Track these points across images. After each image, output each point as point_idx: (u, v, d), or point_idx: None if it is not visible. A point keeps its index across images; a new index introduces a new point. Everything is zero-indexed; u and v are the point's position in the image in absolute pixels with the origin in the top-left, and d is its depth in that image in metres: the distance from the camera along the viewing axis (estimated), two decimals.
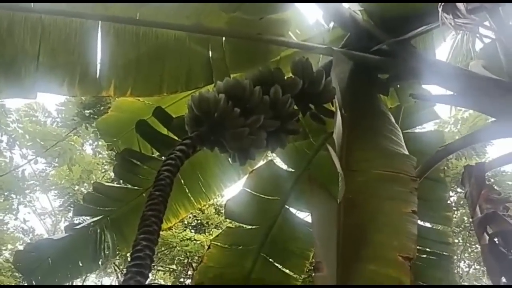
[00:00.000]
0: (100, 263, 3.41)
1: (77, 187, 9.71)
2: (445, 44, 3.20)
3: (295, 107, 1.94)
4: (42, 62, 2.20)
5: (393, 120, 2.40)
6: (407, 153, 2.02)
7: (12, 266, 8.49)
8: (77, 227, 3.30)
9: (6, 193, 9.97)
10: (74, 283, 11.46)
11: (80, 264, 3.37)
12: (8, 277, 8.30)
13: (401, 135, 2.17)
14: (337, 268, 1.56)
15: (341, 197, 1.71)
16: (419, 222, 3.08)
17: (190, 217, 8.45)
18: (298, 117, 2.06)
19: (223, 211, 9.24)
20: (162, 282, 9.25)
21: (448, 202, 3.59)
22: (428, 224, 3.20)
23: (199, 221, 8.37)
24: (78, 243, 3.25)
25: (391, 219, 1.75)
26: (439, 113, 3.33)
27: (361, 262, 1.62)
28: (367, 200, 1.82)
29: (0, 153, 9.19)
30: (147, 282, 1.09)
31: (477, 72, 2.21)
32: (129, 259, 1.12)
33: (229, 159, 1.73)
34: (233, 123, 1.55)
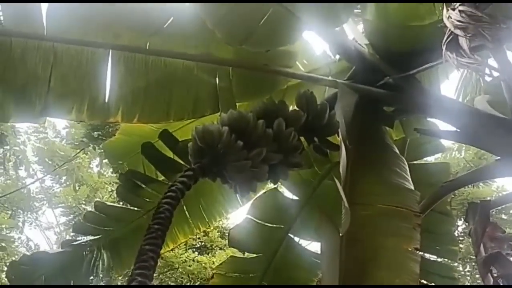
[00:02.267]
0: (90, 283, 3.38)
1: (83, 206, 9.74)
2: (455, 74, 3.21)
3: (300, 138, 1.96)
4: (52, 88, 2.25)
5: (398, 153, 2.40)
6: (411, 186, 2.02)
7: None
8: (74, 243, 3.29)
9: (13, 209, 10.03)
10: None
11: (72, 282, 3.33)
12: None
13: (407, 167, 2.16)
14: None
15: (344, 231, 1.71)
16: (424, 255, 3.04)
17: (193, 239, 8.40)
18: (303, 147, 2.08)
19: (227, 234, 9.19)
20: None
21: (455, 233, 3.54)
22: (433, 257, 3.15)
23: (202, 244, 8.33)
24: (73, 260, 3.20)
25: (393, 255, 1.74)
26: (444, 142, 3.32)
27: None
28: (369, 234, 1.82)
29: (7, 172, 9.28)
30: None
31: (481, 108, 2.22)
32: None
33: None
34: (236, 155, 1.57)
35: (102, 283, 3.36)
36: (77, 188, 9.49)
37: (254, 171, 1.61)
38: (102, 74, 2.34)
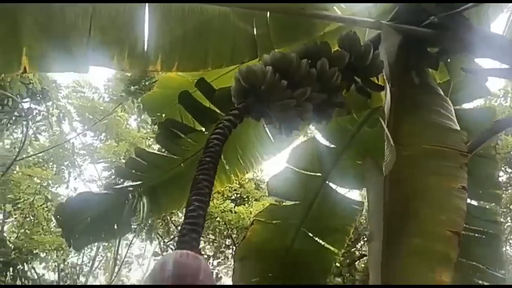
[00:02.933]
0: (132, 227, 3.49)
1: (123, 161, 10.05)
2: (503, 15, 3.01)
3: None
4: (93, 38, 2.27)
5: (443, 94, 2.33)
6: (457, 127, 1.97)
7: None
8: (116, 187, 3.42)
9: (58, 164, 10.50)
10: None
11: (115, 227, 3.48)
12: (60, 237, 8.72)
13: (452, 108, 2.10)
14: (382, 241, 1.56)
15: (387, 171, 1.70)
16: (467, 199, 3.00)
17: (230, 191, 8.63)
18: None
19: (263, 186, 9.41)
20: (203, 252, 9.55)
21: (499, 180, 3.46)
22: (475, 202, 3.11)
23: (238, 195, 8.54)
24: (115, 204, 3.35)
25: (439, 194, 1.73)
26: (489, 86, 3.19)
27: (407, 236, 1.61)
28: (414, 175, 1.80)
29: (51, 126, 9.62)
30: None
31: None
32: (171, 228, 1.17)
33: (267, 133, 1.74)
34: (280, 95, 1.56)
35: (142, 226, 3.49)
36: (115, 144, 9.79)
37: (299, 110, 1.61)
38: (140, 23, 2.33)
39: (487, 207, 3.06)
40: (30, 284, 7.78)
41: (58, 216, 3.47)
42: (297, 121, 1.66)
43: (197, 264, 1.04)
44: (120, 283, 14.78)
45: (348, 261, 6.58)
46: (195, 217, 1.13)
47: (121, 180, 3.55)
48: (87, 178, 12.40)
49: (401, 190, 1.74)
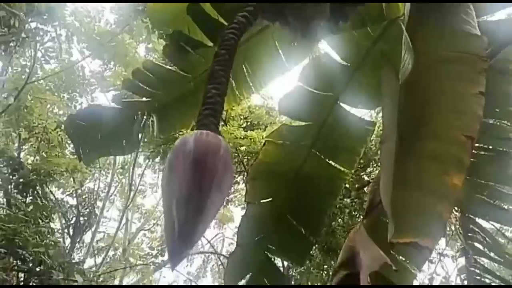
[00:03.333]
0: (140, 143, 3.50)
1: None
2: None
3: None
4: None
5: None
6: (478, 32, 1.87)
7: None
8: (124, 100, 3.40)
9: (68, 91, 10.52)
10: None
11: (124, 143, 3.46)
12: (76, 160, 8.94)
13: (474, 14, 1.98)
14: (395, 144, 1.55)
15: (403, 78, 1.65)
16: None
17: (241, 119, 8.64)
18: None
19: (273, 114, 9.37)
20: None
21: None
22: (489, 120, 3.05)
23: (249, 123, 8.55)
24: (125, 120, 3.34)
25: (456, 99, 1.69)
26: None
27: (422, 139, 1.59)
28: (431, 80, 1.75)
29: (60, 49, 9.47)
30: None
31: None
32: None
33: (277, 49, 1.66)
34: None
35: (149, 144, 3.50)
36: (126, 69, 9.69)
37: (315, 9, 1.52)
38: None
39: (500, 123, 2.99)
40: (51, 205, 8.09)
41: (67, 129, 3.47)
42: (314, 21, 1.58)
43: (217, 141, 1.05)
44: (135, 208, 15.39)
45: (357, 185, 6.71)
46: (213, 103, 1.11)
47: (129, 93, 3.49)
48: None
49: (417, 95, 1.69)
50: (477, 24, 2.52)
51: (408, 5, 1.76)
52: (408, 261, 2.60)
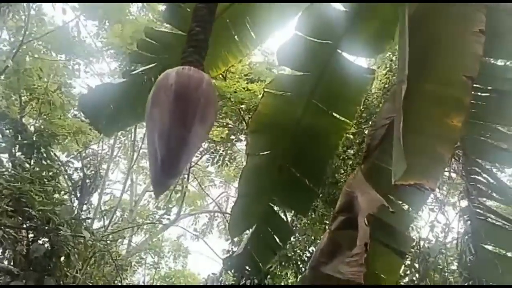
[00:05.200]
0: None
1: (131, 47, 9.84)
2: None
3: None
4: None
5: None
6: None
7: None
8: (134, 72, 3.40)
9: (65, 54, 10.35)
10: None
11: (139, 110, 3.54)
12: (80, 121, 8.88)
13: None
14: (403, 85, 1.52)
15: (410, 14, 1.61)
16: (487, 59, 2.88)
17: (241, 76, 8.51)
18: None
19: (274, 71, 9.22)
20: (215, 139, 9.78)
21: None
22: (497, 61, 2.99)
23: (250, 78, 8.43)
24: (135, 89, 3.35)
25: (456, 39, 1.67)
26: None
27: (423, 81, 1.58)
28: (433, 20, 1.72)
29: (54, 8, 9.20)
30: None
31: None
32: None
33: None
34: None
35: None
36: (123, 27, 9.46)
37: None
38: None
39: (506, 64, 2.94)
40: (57, 167, 8.17)
41: (82, 108, 3.53)
42: None
43: (200, 76, 1.04)
44: (140, 169, 15.50)
45: (358, 140, 6.69)
46: (197, 40, 1.09)
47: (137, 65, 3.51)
48: (97, 70, 12.36)
49: (420, 36, 1.66)
50: None
51: None
52: (406, 204, 2.64)
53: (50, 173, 6.05)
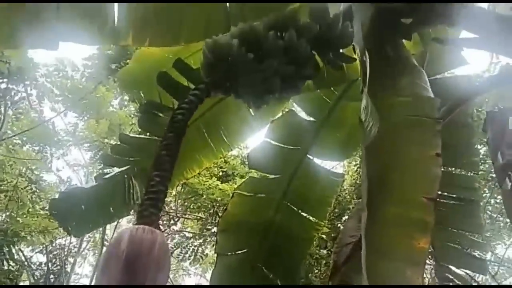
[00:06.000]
0: (130, 208, 3.55)
1: (106, 140, 9.96)
2: None
3: (313, 52, 1.91)
4: (62, 12, 2.21)
5: (416, 63, 2.34)
6: (431, 95, 1.99)
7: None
8: (106, 176, 3.43)
9: (40, 146, 10.36)
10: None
11: (111, 210, 3.50)
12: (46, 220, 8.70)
13: (426, 78, 2.12)
14: (365, 212, 1.58)
15: (366, 144, 1.72)
16: (445, 168, 3.06)
17: (216, 168, 8.63)
18: (319, 66, 2.04)
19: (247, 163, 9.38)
20: (190, 230, 9.63)
21: (476, 147, 3.52)
22: (454, 170, 3.17)
23: (224, 172, 8.54)
24: (108, 190, 3.36)
25: (414, 162, 1.76)
26: (479, 60, 3.22)
27: (385, 204, 1.64)
28: (390, 145, 1.82)
29: (30, 106, 9.42)
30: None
31: (503, 13, 2.10)
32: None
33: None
34: (247, 68, 1.55)
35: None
36: (98, 122, 9.65)
37: (266, 84, 1.60)
38: None
39: (465, 174, 3.12)
40: (20, 265, 7.78)
41: (53, 210, 3.53)
42: (265, 95, 1.66)
43: (153, 238, 1.06)
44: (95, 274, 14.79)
45: (333, 234, 6.71)
46: (155, 192, 1.14)
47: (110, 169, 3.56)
48: (71, 161, 12.30)
49: (380, 160, 1.76)
50: (436, 81, 2.69)
51: (363, 73, 1.87)
52: None
53: (10, 276, 5.71)
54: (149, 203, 1.12)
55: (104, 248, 12.43)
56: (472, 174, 3.22)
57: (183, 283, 15.08)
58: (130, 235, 1.04)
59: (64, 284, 10.97)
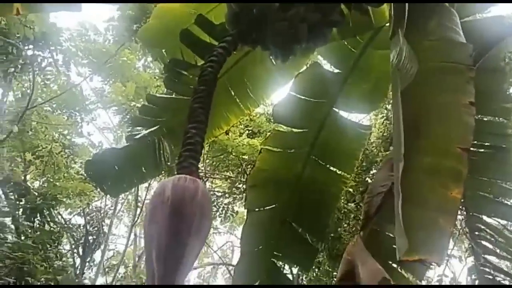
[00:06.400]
0: (161, 168, 3.63)
1: (133, 103, 10.06)
2: None
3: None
4: None
5: (447, 4, 2.23)
6: (463, 39, 1.90)
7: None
8: (137, 137, 3.49)
9: (69, 111, 10.59)
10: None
11: (144, 170, 3.59)
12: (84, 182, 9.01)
13: (458, 20, 2.02)
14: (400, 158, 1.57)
15: (398, 91, 1.68)
16: (476, 115, 2.97)
17: (242, 128, 8.66)
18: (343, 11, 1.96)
19: (272, 121, 9.36)
20: (219, 190, 9.79)
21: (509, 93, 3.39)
22: (486, 118, 3.08)
23: (250, 131, 8.56)
24: (140, 151, 3.43)
25: (448, 111, 1.72)
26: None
27: (419, 153, 1.63)
28: (423, 92, 1.77)
29: (59, 73, 9.57)
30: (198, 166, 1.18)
31: None
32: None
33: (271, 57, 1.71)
34: (273, 17, 1.51)
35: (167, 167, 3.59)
36: (124, 85, 9.73)
37: (293, 32, 1.56)
38: None
39: (497, 120, 3.02)
40: (60, 227, 8.15)
41: (88, 171, 3.64)
42: (292, 45, 1.62)
43: (195, 186, 1.08)
44: (143, 225, 15.37)
45: (361, 188, 6.72)
46: (192, 144, 1.15)
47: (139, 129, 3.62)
48: (100, 125, 12.55)
49: (412, 108, 1.71)
50: (465, 24, 2.56)
51: (391, 16, 1.80)
52: (409, 273, 2.62)
53: (53, 237, 6.02)
54: (187, 154, 1.14)
55: (138, 211, 12.93)
56: (504, 120, 3.11)
57: (213, 242, 15.56)
58: (173, 184, 1.07)
59: (103, 244, 11.47)
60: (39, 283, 5.05)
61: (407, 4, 1.75)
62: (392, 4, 1.82)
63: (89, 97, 11.64)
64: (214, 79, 1.35)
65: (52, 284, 5.11)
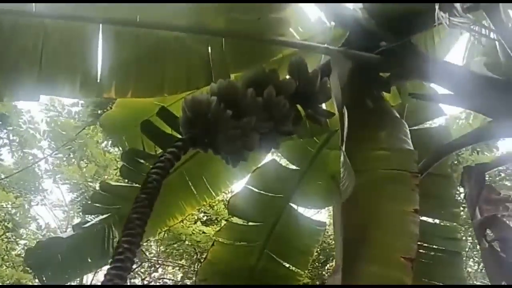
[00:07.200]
0: (108, 259, 3.46)
1: (91, 184, 9.82)
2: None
3: (296, 107, 1.94)
4: (44, 66, 2.23)
5: (397, 115, 2.38)
6: (411, 147, 2.00)
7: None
8: (85, 225, 3.36)
9: (20, 190, 10.15)
10: (85, 279, 11.65)
11: (89, 260, 3.43)
12: (20, 271, 8.47)
13: (407, 129, 2.14)
14: (341, 267, 1.55)
15: (344, 199, 1.70)
16: (427, 219, 3.06)
17: (200, 213, 8.50)
18: (301, 117, 2.06)
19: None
20: (171, 277, 9.31)
21: (457, 198, 3.54)
22: (435, 221, 3.17)
23: (208, 217, 8.41)
24: (87, 240, 3.31)
25: (392, 219, 1.74)
26: (448, 108, 3.29)
27: (363, 263, 1.62)
28: (368, 200, 1.81)
29: (14, 153, 9.33)
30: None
31: (477, 70, 2.18)
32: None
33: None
34: (225, 125, 1.56)
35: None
36: (84, 165, 9.56)
37: (244, 140, 1.61)
38: (93, 49, 2.30)
39: (446, 225, 3.12)
40: None
41: (28, 260, 3.45)
42: (243, 152, 1.66)
43: None
44: None
45: (318, 282, 6.58)
46: (121, 261, 1.10)
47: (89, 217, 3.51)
48: (53, 201, 12.06)
49: (359, 216, 1.74)
50: (417, 132, 2.73)
51: (342, 127, 1.90)
52: None
53: None
54: (114, 273, 1.08)
55: None
56: (453, 224, 3.22)
57: None
58: None
59: None
60: None
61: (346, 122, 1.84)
62: (340, 115, 1.92)
63: (44, 173, 11.27)
64: (158, 186, 1.33)
65: None
